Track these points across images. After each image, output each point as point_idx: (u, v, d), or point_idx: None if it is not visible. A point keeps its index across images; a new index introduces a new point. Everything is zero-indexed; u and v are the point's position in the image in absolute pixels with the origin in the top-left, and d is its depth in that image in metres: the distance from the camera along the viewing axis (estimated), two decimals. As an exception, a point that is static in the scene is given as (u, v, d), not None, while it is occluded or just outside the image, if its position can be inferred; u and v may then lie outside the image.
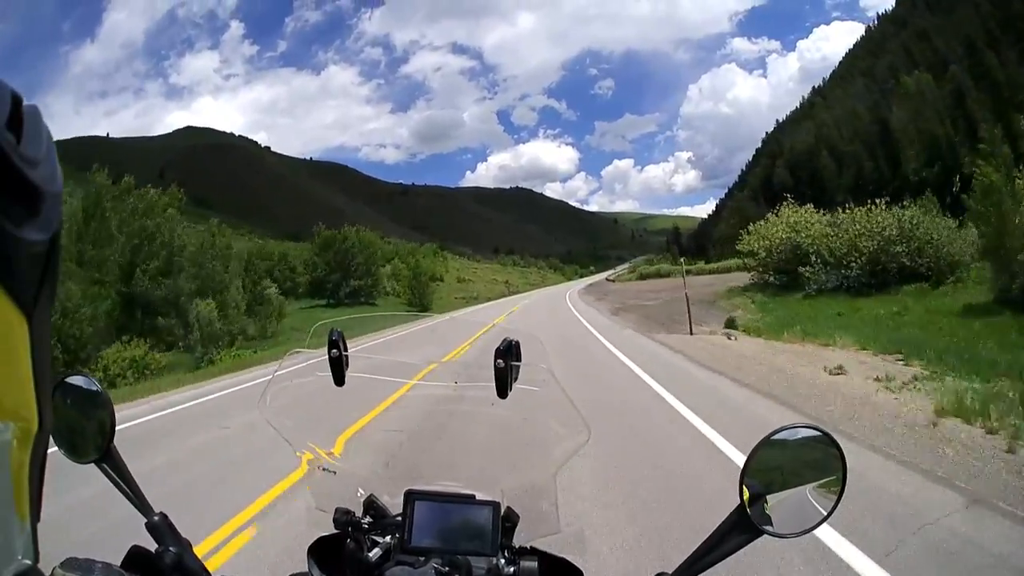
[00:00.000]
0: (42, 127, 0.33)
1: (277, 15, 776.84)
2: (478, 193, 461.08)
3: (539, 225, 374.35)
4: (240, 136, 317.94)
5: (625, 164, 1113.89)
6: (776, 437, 0.76)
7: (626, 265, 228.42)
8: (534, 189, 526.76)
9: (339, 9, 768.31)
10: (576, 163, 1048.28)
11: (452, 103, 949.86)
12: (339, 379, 1.04)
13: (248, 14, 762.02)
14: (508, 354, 0.92)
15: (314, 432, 1.21)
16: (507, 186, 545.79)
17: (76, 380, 0.88)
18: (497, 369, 0.91)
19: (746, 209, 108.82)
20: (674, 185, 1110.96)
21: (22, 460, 0.35)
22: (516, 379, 0.93)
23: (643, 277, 72.80)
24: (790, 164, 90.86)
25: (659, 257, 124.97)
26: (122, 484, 0.88)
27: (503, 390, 0.92)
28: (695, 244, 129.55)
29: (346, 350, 1.05)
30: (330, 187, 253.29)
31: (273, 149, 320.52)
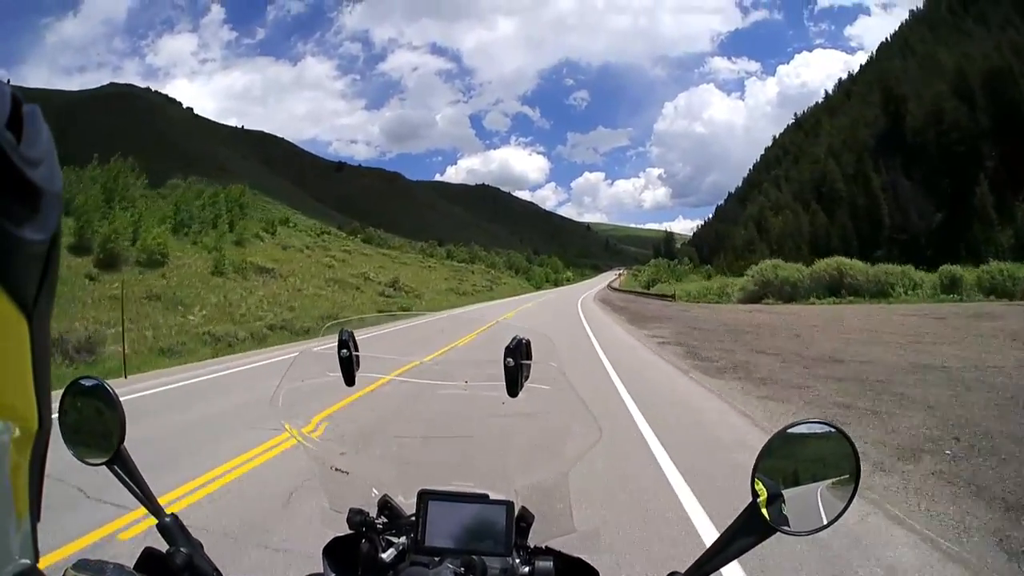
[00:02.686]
0: (42, 127, 0.32)
1: (259, 2, 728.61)
2: (439, 186, 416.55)
3: (503, 225, 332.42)
4: (155, 91, 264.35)
5: (595, 177, 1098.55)
6: (787, 433, 0.75)
7: (616, 272, 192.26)
8: (501, 188, 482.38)
9: (320, 1, 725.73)
10: (546, 172, 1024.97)
11: (425, 103, 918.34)
12: (349, 379, 1.03)
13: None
14: (518, 352, 0.90)
15: (326, 430, 1.23)
16: (472, 183, 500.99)
17: (87, 382, 0.88)
18: (507, 368, 0.90)
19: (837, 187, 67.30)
20: (643, 201, 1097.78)
21: (22, 460, 0.34)
22: (527, 378, 0.92)
23: (755, 295, 29.89)
24: (963, 95, 51.45)
25: (676, 262, 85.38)
26: (133, 486, 0.87)
27: (513, 389, 0.91)
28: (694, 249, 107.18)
29: (357, 350, 1.03)
30: (243, 153, 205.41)
31: (196, 111, 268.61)
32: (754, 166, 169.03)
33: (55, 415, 0.75)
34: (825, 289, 28.20)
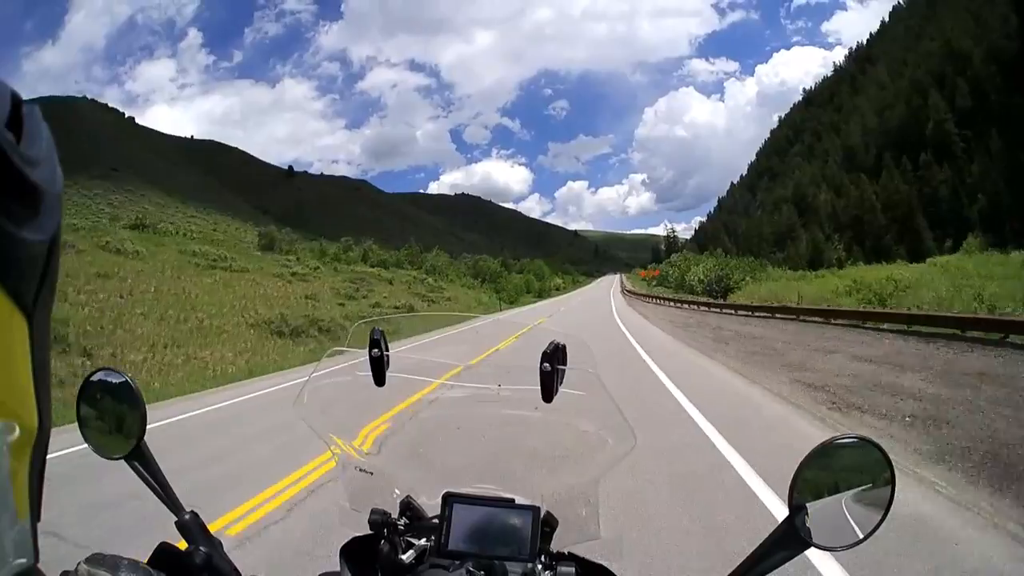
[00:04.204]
0: (42, 127, 0.32)
1: (236, 25, 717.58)
2: (417, 197, 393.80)
3: (486, 234, 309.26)
4: (92, 100, 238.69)
5: (579, 185, 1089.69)
6: (825, 448, 0.74)
7: (612, 276, 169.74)
8: (482, 197, 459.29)
9: (298, 21, 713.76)
10: (529, 184, 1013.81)
11: (405, 120, 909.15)
12: (380, 379, 1.02)
13: (207, 23, 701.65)
14: (555, 358, 0.88)
15: (350, 432, 1.20)
16: (453, 193, 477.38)
17: (105, 375, 0.86)
18: (543, 373, 0.88)
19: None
20: (628, 207, 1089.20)
21: (21, 460, 0.34)
22: (562, 383, 0.90)
23: None
24: None
25: (694, 256, 62.31)
26: (152, 482, 0.85)
27: (548, 394, 0.89)
28: (698, 248, 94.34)
29: (387, 350, 1.02)
30: (175, 160, 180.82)
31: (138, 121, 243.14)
32: (759, 152, 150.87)
33: (72, 408, 0.83)
34: None
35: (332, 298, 28.09)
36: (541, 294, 74.22)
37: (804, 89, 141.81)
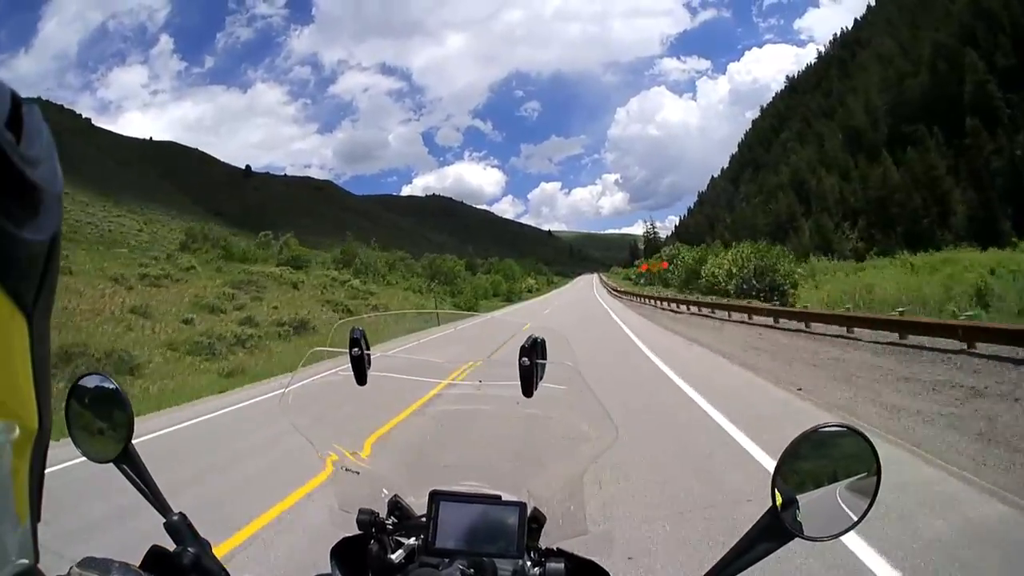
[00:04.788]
0: (42, 127, 0.32)
1: (208, 31, 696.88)
2: (386, 199, 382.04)
3: (457, 236, 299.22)
4: (46, 100, 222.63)
5: (552, 187, 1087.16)
6: (808, 438, 0.73)
7: (589, 276, 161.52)
8: (454, 198, 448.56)
9: (269, 26, 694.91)
10: (502, 185, 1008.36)
11: (377, 124, 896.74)
12: (361, 378, 1.01)
13: (179, 29, 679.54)
14: (534, 352, 0.88)
15: (338, 433, 1.20)
16: (424, 195, 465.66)
17: (92, 380, 0.86)
18: (522, 367, 0.87)
19: None
20: (601, 207, 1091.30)
21: (21, 460, 0.34)
22: (542, 377, 0.89)
23: None
24: None
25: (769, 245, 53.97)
26: (141, 484, 0.86)
27: (528, 389, 0.88)
28: (679, 241, 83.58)
29: (368, 349, 1.02)
30: (121, 160, 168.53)
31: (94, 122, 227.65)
32: (741, 143, 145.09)
33: (61, 412, 0.82)
34: None
35: (184, 311, 18.56)
36: (511, 297, 64.86)
37: (788, 77, 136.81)
